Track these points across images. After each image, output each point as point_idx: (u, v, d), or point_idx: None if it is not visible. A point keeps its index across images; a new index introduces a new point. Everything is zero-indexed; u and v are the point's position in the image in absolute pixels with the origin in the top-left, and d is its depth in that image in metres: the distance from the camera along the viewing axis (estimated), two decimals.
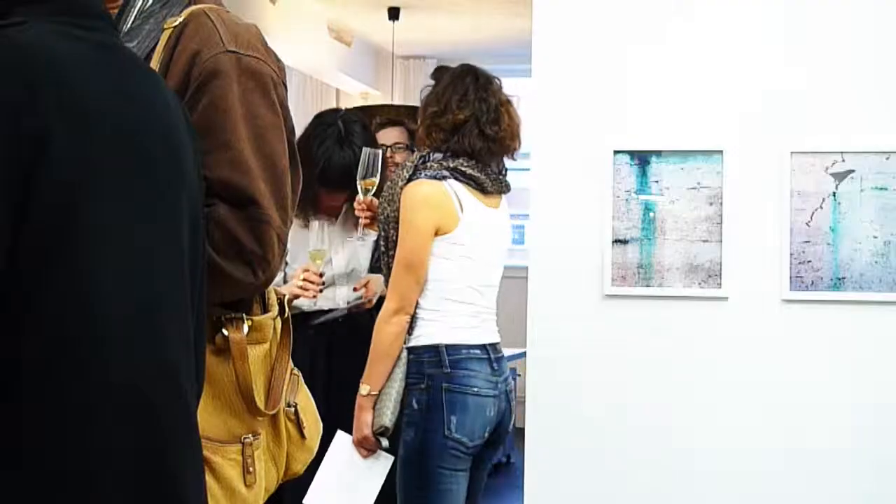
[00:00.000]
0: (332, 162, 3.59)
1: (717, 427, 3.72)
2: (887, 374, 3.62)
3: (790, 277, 3.66)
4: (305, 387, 2.01)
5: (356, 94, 9.60)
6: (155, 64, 1.76)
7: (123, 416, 1.30)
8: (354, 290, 3.64)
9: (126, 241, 1.34)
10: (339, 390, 3.28)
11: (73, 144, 1.27)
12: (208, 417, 1.72)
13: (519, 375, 7.18)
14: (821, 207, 3.65)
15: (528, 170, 3.92)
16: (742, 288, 3.71)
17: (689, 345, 3.75)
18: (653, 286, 3.75)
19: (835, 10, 3.70)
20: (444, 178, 3.08)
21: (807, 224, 3.66)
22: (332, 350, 3.63)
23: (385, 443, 3.06)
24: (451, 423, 3.01)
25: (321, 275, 3.47)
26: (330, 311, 3.68)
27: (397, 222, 3.08)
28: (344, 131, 3.66)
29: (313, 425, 2.00)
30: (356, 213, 3.40)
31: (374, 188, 3.32)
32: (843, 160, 3.64)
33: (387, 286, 3.15)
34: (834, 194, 3.64)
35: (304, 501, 3.08)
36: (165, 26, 1.80)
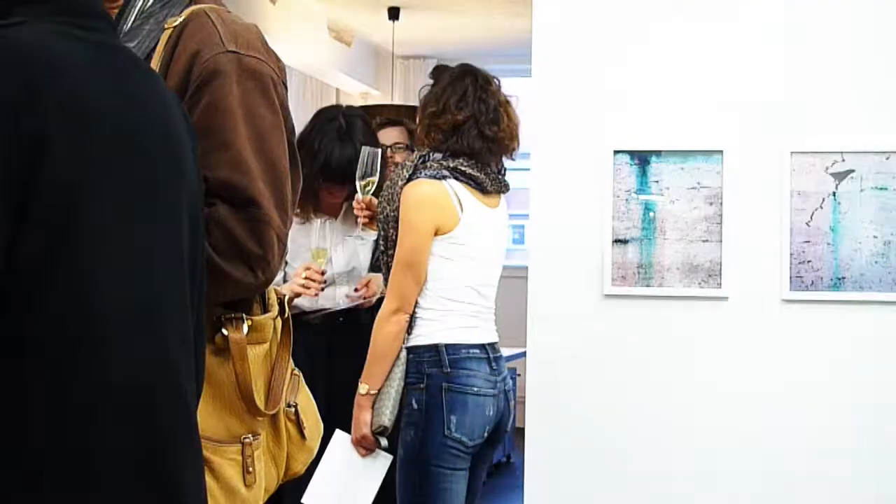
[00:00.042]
0: (334, 156, 3.59)
1: (717, 427, 3.72)
2: (887, 374, 3.62)
3: (790, 277, 3.66)
4: (306, 387, 2.00)
5: (356, 94, 9.60)
6: (155, 64, 1.76)
7: (123, 416, 1.30)
8: (356, 290, 3.64)
9: (126, 241, 1.34)
10: (340, 390, 3.28)
11: (73, 144, 1.27)
12: (208, 417, 1.72)
13: (519, 375, 7.19)
14: (821, 207, 3.65)
15: (528, 170, 3.92)
16: (742, 288, 3.71)
17: (689, 345, 3.75)
18: (653, 286, 3.75)
19: (835, 10, 3.70)
20: (444, 177, 3.08)
21: (807, 224, 3.66)
22: (332, 350, 3.63)
23: (384, 442, 3.06)
24: (450, 423, 3.01)
25: (323, 273, 3.47)
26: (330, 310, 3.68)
27: (397, 222, 3.08)
28: (345, 126, 3.66)
29: (314, 425, 2.00)
30: (355, 212, 3.40)
31: (373, 187, 3.32)
32: (843, 160, 3.64)
33: (386, 285, 3.15)
34: (834, 194, 3.64)
35: (302, 500, 3.08)
36: (166, 26, 1.79)
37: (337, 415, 3.08)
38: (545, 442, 3.82)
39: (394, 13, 8.28)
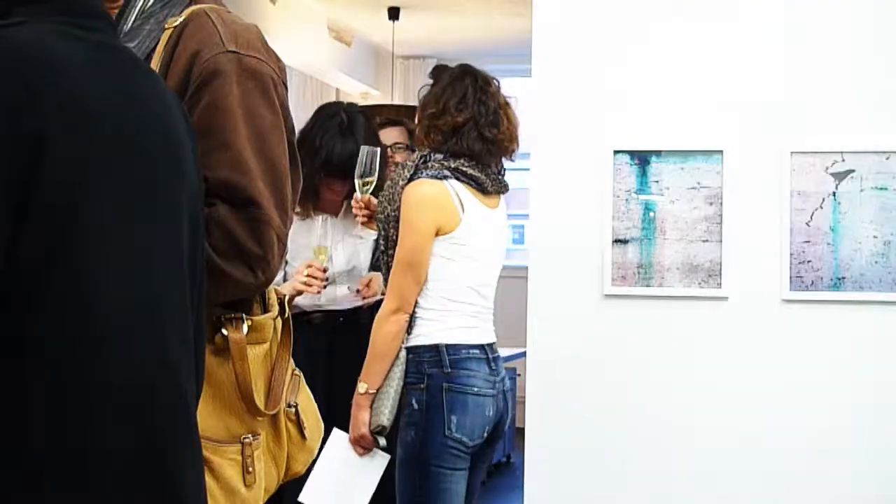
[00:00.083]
0: (335, 152, 3.59)
1: (717, 427, 3.72)
2: (887, 374, 3.62)
3: (790, 277, 3.66)
4: (307, 387, 2.00)
5: (356, 93, 9.60)
6: (155, 64, 1.76)
7: (123, 416, 1.30)
8: (357, 291, 3.64)
9: (126, 241, 1.33)
10: (340, 390, 3.28)
11: (73, 144, 1.27)
12: (208, 417, 1.72)
13: (519, 375, 7.19)
14: (821, 207, 3.65)
15: (527, 170, 3.92)
16: (742, 288, 3.71)
17: (689, 345, 3.75)
18: (653, 286, 3.75)
19: (835, 10, 3.70)
20: (446, 177, 3.07)
21: (807, 224, 3.66)
22: (332, 350, 3.63)
23: (383, 442, 3.06)
24: (451, 423, 3.01)
25: (325, 270, 3.47)
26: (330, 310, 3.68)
27: (398, 221, 3.08)
28: (347, 122, 3.67)
29: (314, 426, 2.00)
30: (353, 211, 3.40)
31: (372, 186, 3.32)
32: (843, 160, 3.64)
33: (386, 285, 3.15)
34: (834, 194, 3.64)
35: (299, 498, 3.07)
36: (166, 26, 1.79)
37: (337, 415, 3.08)
38: (545, 442, 3.82)
39: (394, 13, 8.28)
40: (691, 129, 3.76)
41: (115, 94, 1.36)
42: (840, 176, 3.64)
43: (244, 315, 1.80)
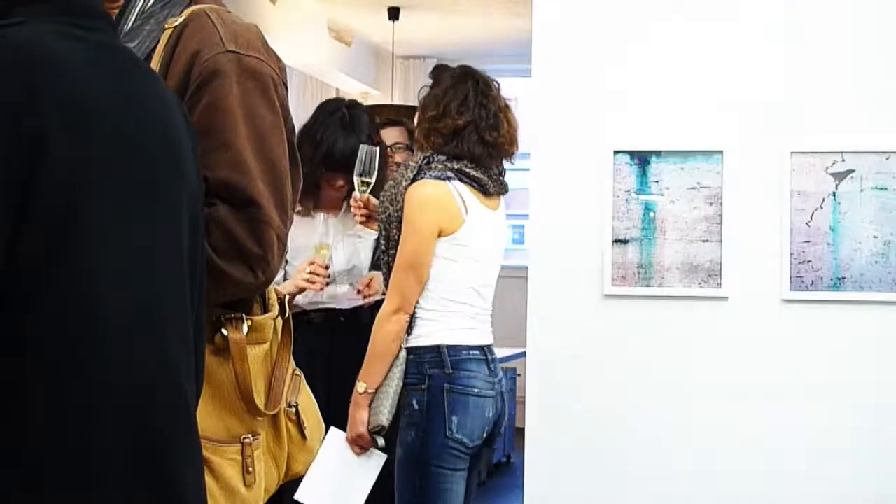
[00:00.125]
0: (337, 146, 3.59)
1: (717, 427, 3.72)
2: (887, 374, 3.62)
3: (790, 277, 3.66)
4: (307, 387, 2.00)
5: (356, 94, 9.60)
6: (155, 64, 1.76)
7: (123, 416, 1.30)
8: (358, 291, 3.63)
9: (126, 241, 1.33)
10: (340, 390, 3.27)
11: (73, 144, 1.27)
12: (208, 417, 1.72)
13: (519, 375, 7.19)
14: (821, 207, 3.65)
15: (527, 170, 3.92)
16: (742, 288, 3.71)
17: (689, 345, 3.75)
18: (653, 286, 3.75)
19: (835, 10, 3.70)
20: (449, 178, 3.08)
21: (807, 224, 3.66)
22: (333, 350, 3.63)
23: (381, 442, 3.06)
24: (452, 424, 3.01)
25: (327, 267, 3.47)
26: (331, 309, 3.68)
27: (400, 222, 3.08)
28: (349, 117, 3.67)
29: (315, 426, 2.00)
30: (352, 210, 3.40)
31: (371, 186, 3.32)
32: (843, 160, 3.64)
33: (386, 285, 3.15)
34: (834, 194, 3.64)
35: (295, 497, 3.07)
36: (166, 26, 1.79)
37: (337, 415, 3.08)
38: (545, 442, 3.82)
39: (394, 13, 8.28)
40: (691, 129, 3.76)
41: (115, 94, 1.36)
42: (840, 176, 3.64)
43: (244, 315, 1.80)
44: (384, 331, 3.05)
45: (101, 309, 1.29)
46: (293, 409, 1.94)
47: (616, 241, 3.77)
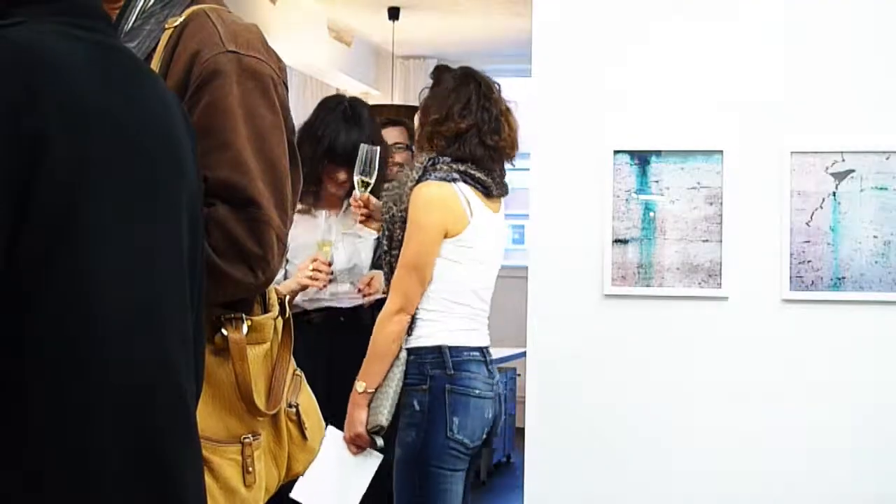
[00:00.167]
0: (339, 139, 3.58)
1: (717, 427, 3.72)
2: (887, 373, 3.62)
3: (790, 277, 3.66)
4: (308, 387, 2.00)
5: (356, 94, 9.59)
6: (155, 64, 1.76)
7: (123, 415, 1.30)
8: (359, 290, 3.63)
9: (126, 241, 1.33)
10: (341, 390, 3.27)
11: (73, 144, 1.27)
12: (207, 417, 1.72)
13: (519, 375, 7.19)
14: (821, 207, 3.65)
15: (527, 170, 3.92)
16: (742, 288, 3.71)
17: (689, 345, 3.75)
18: (653, 286, 3.75)
19: (835, 10, 3.70)
20: (454, 180, 3.08)
21: (807, 224, 3.66)
22: (333, 350, 3.62)
23: (380, 442, 3.06)
24: (453, 425, 3.01)
25: (330, 264, 3.46)
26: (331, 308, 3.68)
27: (404, 222, 3.08)
28: (350, 111, 3.67)
29: (315, 426, 2.00)
30: (352, 209, 3.40)
31: (371, 185, 3.32)
32: (843, 160, 3.64)
33: (388, 285, 3.15)
34: (834, 194, 3.64)
35: (290, 495, 3.06)
36: (166, 26, 1.79)
37: (337, 414, 3.08)
38: (545, 442, 3.82)
39: (394, 13, 8.28)
40: (691, 129, 3.76)
41: (115, 94, 1.36)
42: (840, 176, 3.64)
43: (244, 315, 1.79)
44: (386, 331, 3.06)
45: (101, 309, 1.29)
46: (294, 409, 1.94)
47: (616, 241, 3.77)
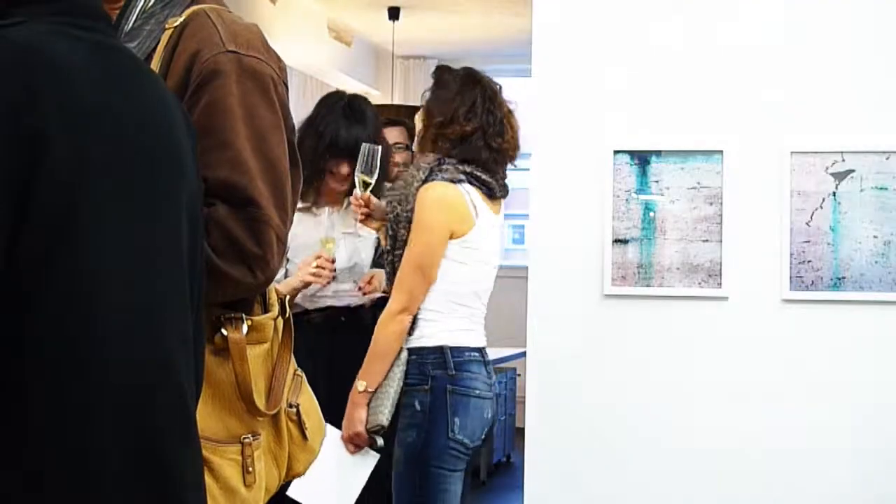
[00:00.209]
0: (341, 132, 3.58)
1: (717, 427, 3.72)
2: (887, 373, 3.62)
3: (790, 277, 3.66)
4: (309, 388, 2.00)
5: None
6: (155, 64, 1.76)
7: (123, 416, 1.30)
8: (359, 289, 3.63)
9: (126, 241, 1.33)
10: (341, 390, 3.27)
11: (73, 144, 1.27)
12: (207, 417, 1.72)
13: (519, 375, 7.19)
14: (821, 207, 3.65)
15: (527, 170, 3.92)
16: (742, 288, 3.71)
17: (689, 345, 3.75)
18: (653, 286, 3.75)
19: (835, 10, 3.70)
20: (460, 181, 3.09)
21: (807, 224, 3.66)
22: (334, 350, 3.62)
23: (381, 441, 3.06)
24: (454, 425, 3.02)
25: (333, 261, 3.46)
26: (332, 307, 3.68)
27: (409, 222, 3.08)
28: (351, 107, 3.67)
29: (316, 426, 2.00)
30: (353, 208, 3.39)
31: (372, 185, 3.31)
32: (843, 160, 3.64)
33: (390, 285, 3.15)
34: (834, 194, 3.64)
35: (287, 493, 3.06)
36: (166, 26, 1.79)
37: (338, 414, 3.08)
38: (545, 442, 3.82)
39: (394, 13, 8.28)
40: (691, 129, 3.76)
41: (115, 94, 1.36)
42: (840, 176, 3.64)
43: (244, 315, 1.79)
44: (388, 330, 3.06)
45: (101, 309, 1.29)
46: (294, 409, 1.94)
47: (616, 241, 3.77)
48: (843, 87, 3.68)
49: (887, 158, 3.62)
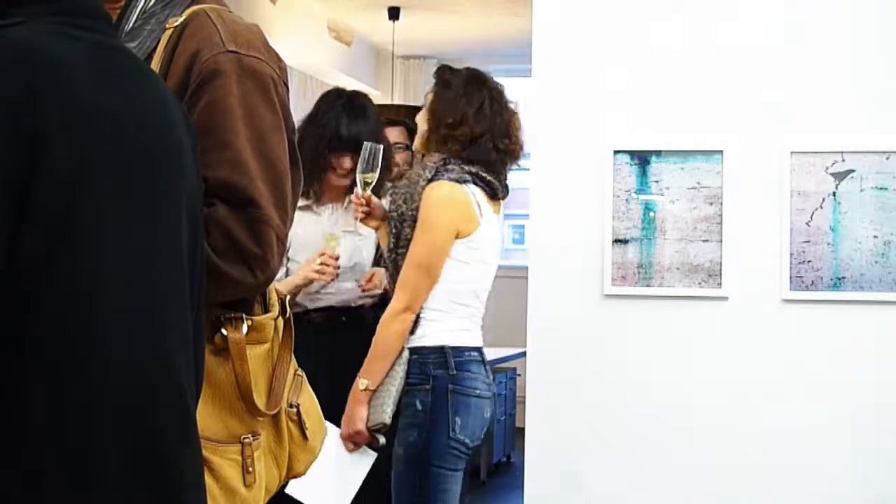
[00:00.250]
0: (342, 127, 3.58)
1: (717, 427, 3.72)
2: (887, 374, 3.62)
3: (790, 277, 3.66)
4: (309, 388, 2.00)
5: None
6: (155, 64, 1.76)
7: (123, 416, 1.30)
8: (360, 288, 3.63)
9: (126, 241, 1.33)
10: (342, 390, 3.27)
11: (73, 144, 1.27)
12: (207, 417, 1.72)
13: (519, 375, 7.19)
14: (821, 207, 3.65)
15: (527, 170, 3.92)
16: (742, 288, 3.71)
17: (689, 345, 3.75)
18: (653, 286, 3.75)
19: (835, 10, 3.70)
20: (466, 181, 3.10)
21: (807, 224, 3.66)
22: (334, 350, 3.62)
23: (382, 440, 3.06)
24: (455, 425, 3.02)
25: (336, 258, 3.46)
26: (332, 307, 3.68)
27: (414, 221, 3.08)
28: (352, 103, 3.67)
29: (316, 426, 2.00)
30: (353, 206, 3.39)
31: (373, 184, 3.31)
32: (843, 160, 3.64)
33: (392, 284, 3.15)
34: (834, 194, 3.64)
35: (286, 491, 3.06)
36: (167, 26, 1.79)
37: (338, 414, 3.08)
38: (545, 442, 3.82)
39: (394, 13, 8.28)
40: (691, 129, 3.76)
41: (115, 94, 1.36)
42: (840, 176, 3.64)
43: (244, 315, 1.79)
44: (390, 329, 3.06)
45: (101, 309, 1.29)
46: (294, 409, 1.94)
47: (616, 241, 3.77)
48: (843, 87, 3.69)
49: (887, 158, 3.62)
